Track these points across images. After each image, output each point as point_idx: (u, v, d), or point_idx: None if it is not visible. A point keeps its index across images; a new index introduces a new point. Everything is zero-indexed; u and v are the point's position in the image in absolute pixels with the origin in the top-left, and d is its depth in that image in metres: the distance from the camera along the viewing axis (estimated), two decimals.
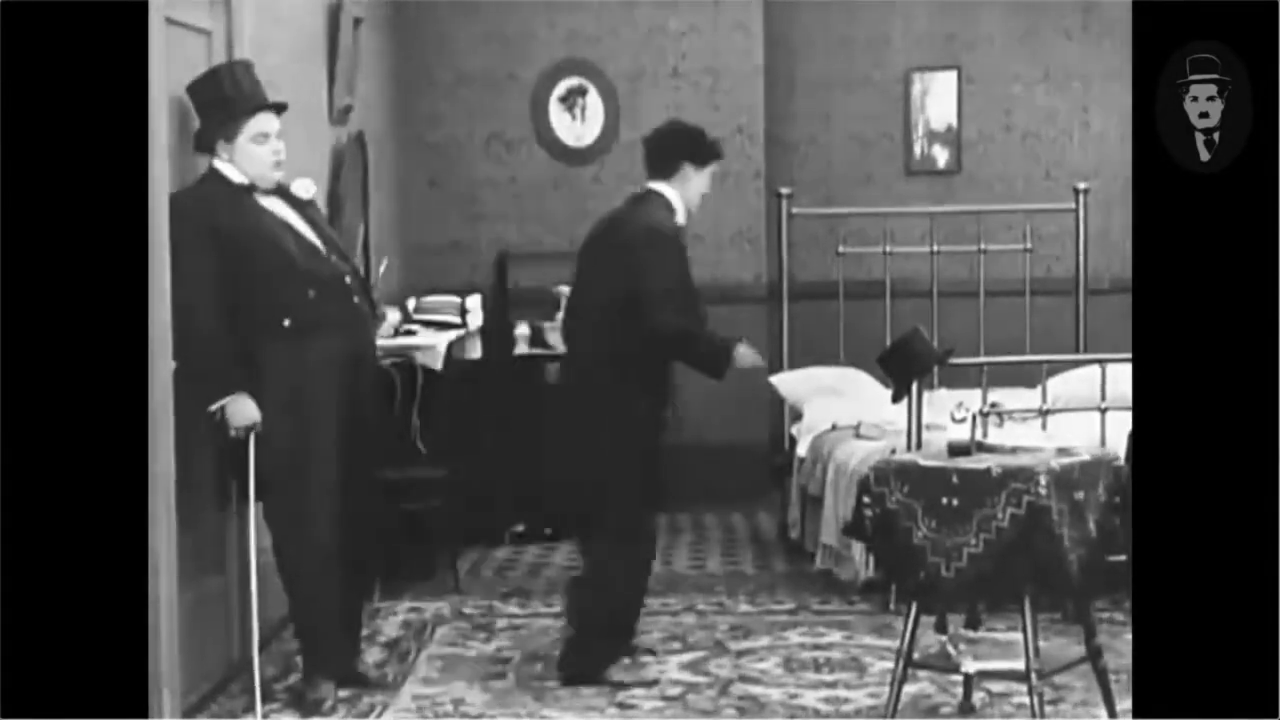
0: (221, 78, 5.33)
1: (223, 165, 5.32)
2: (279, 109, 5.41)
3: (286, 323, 5.22)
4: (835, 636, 6.20)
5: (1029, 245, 8.68)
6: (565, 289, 9.03)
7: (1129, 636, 5.39)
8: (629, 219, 5.71)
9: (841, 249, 8.59)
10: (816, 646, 6.07)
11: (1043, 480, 4.56)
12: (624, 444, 5.59)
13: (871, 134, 9.61)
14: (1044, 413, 6.42)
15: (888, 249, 8.55)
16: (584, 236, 5.94)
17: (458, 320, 8.15)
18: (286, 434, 5.24)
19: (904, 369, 5.33)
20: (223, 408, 5.20)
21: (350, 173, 7.60)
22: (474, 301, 8.36)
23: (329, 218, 6.27)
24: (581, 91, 9.36)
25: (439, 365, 7.43)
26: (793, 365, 8.41)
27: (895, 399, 5.51)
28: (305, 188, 5.48)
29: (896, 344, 5.36)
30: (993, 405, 6.16)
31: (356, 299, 5.42)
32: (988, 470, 4.64)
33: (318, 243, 5.39)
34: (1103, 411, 6.24)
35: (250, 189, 5.32)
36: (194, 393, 5.16)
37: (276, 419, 5.23)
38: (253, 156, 5.30)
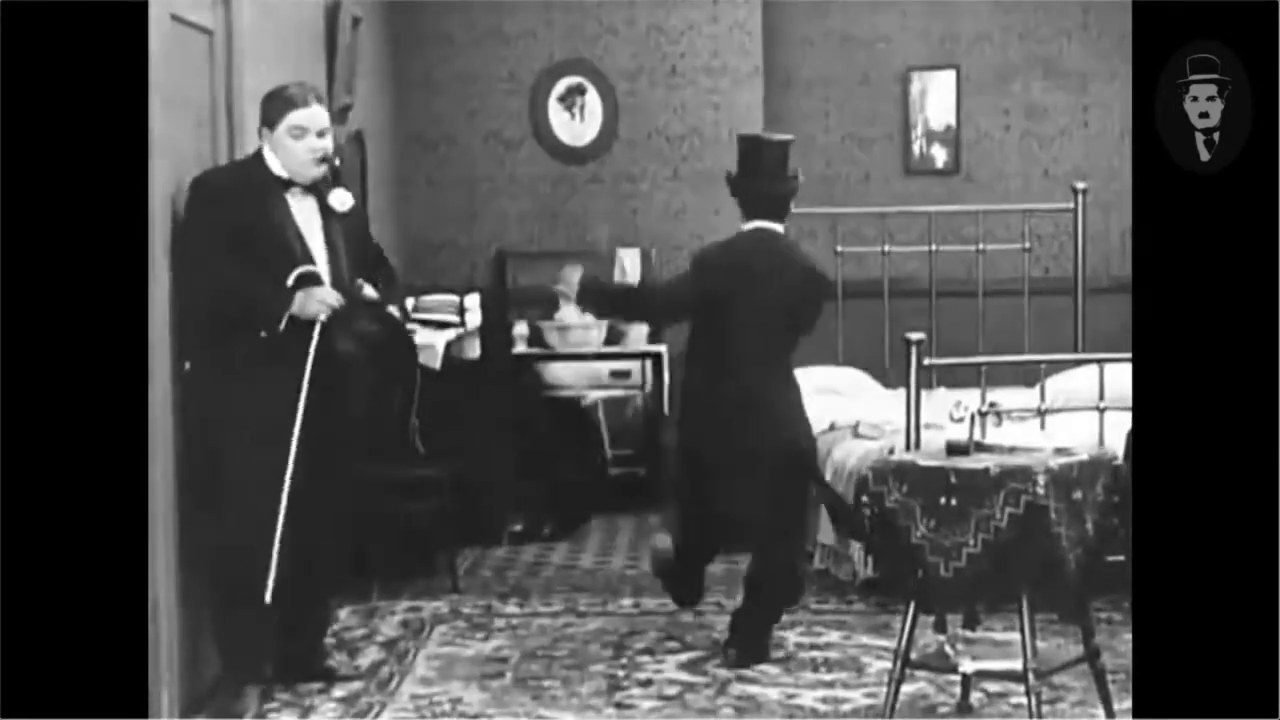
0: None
1: (266, 152, 5.34)
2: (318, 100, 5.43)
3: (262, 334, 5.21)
4: (833, 636, 6.19)
5: (1028, 245, 8.68)
6: (566, 288, 9.08)
7: (1127, 636, 5.40)
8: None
9: (840, 248, 8.59)
10: (814, 646, 6.07)
11: (1041, 480, 4.56)
12: None
13: (870, 133, 9.62)
14: (1042, 412, 6.42)
15: (886, 248, 8.56)
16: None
17: (456, 319, 8.15)
18: (226, 450, 5.21)
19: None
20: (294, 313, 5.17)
21: (349, 172, 7.59)
22: (472, 300, 8.36)
23: None
24: (580, 90, 9.36)
25: (437, 365, 7.43)
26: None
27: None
28: (341, 200, 5.40)
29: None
30: (991, 405, 6.15)
31: (339, 341, 5.34)
32: (986, 470, 4.64)
33: (324, 268, 5.34)
34: (1101, 411, 6.24)
35: (287, 183, 5.32)
36: (256, 326, 5.16)
37: (219, 430, 5.20)
38: (288, 149, 5.31)
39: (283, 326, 5.17)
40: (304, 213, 5.35)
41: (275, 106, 5.33)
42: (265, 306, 5.18)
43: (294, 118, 5.30)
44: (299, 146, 5.30)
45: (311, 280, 5.26)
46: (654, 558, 6.40)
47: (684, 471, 6.26)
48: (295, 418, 5.15)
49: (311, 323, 5.21)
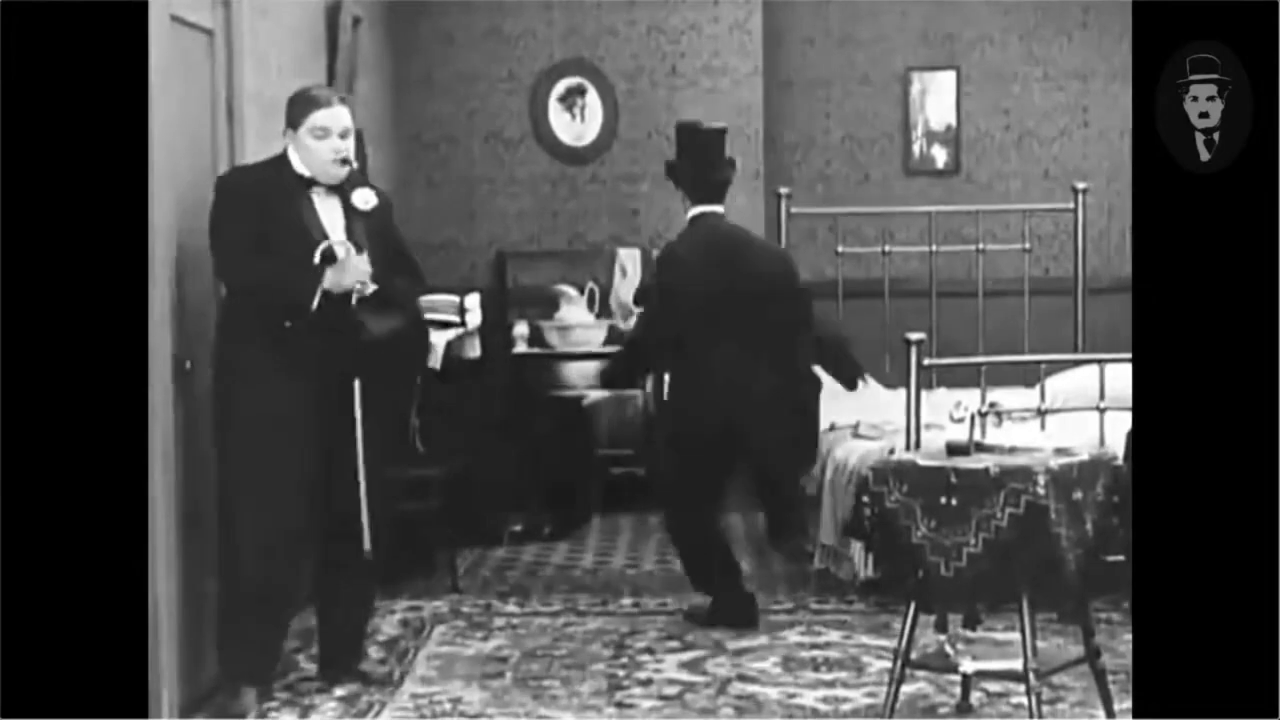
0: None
1: (290, 152, 5.34)
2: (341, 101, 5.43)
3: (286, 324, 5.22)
4: (833, 636, 6.20)
5: (1027, 245, 8.68)
6: (565, 288, 9.09)
7: (1127, 636, 5.41)
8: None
9: (840, 248, 8.59)
10: (814, 646, 6.07)
11: (1041, 480, 4.56)
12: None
13: (870, 134, 9.63)
14: (1042, 412, 6.42)
15: (886, 248, 8.56)
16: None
17: (456, 319, 8.13)
18: (231, 446, 5.23)
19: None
20: (327, 288, 5.18)
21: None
22: (472, 300, 8.35)
23: None
24: (581, 91, 9.36)
25: (437, 364, 7.42)
26: None
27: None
28: (364, 199, 5.40)
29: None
30: (991, 405, 6.15)
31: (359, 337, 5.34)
32: (986, 470, 4.64)
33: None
34: (1101, 411, 6.24)
35: (310, 183, 5.32)
36: (289, 307, 5.18)
37: (228, 424, 5.23)
38: (310, 149, 5.29)
39: (316, 304, 5.17)
40: (328, 212, 5.35)
41: (299, 107, 5.34)
42: (297, 287, 5.19)
43: (317, 118, 5.30)
44: (322, 147, 5.30)
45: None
46: (690, 616, 6.54)
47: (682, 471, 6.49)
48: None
49: (332, 316, 5.22)
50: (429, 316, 7.97)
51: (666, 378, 6.61)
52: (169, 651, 4.98)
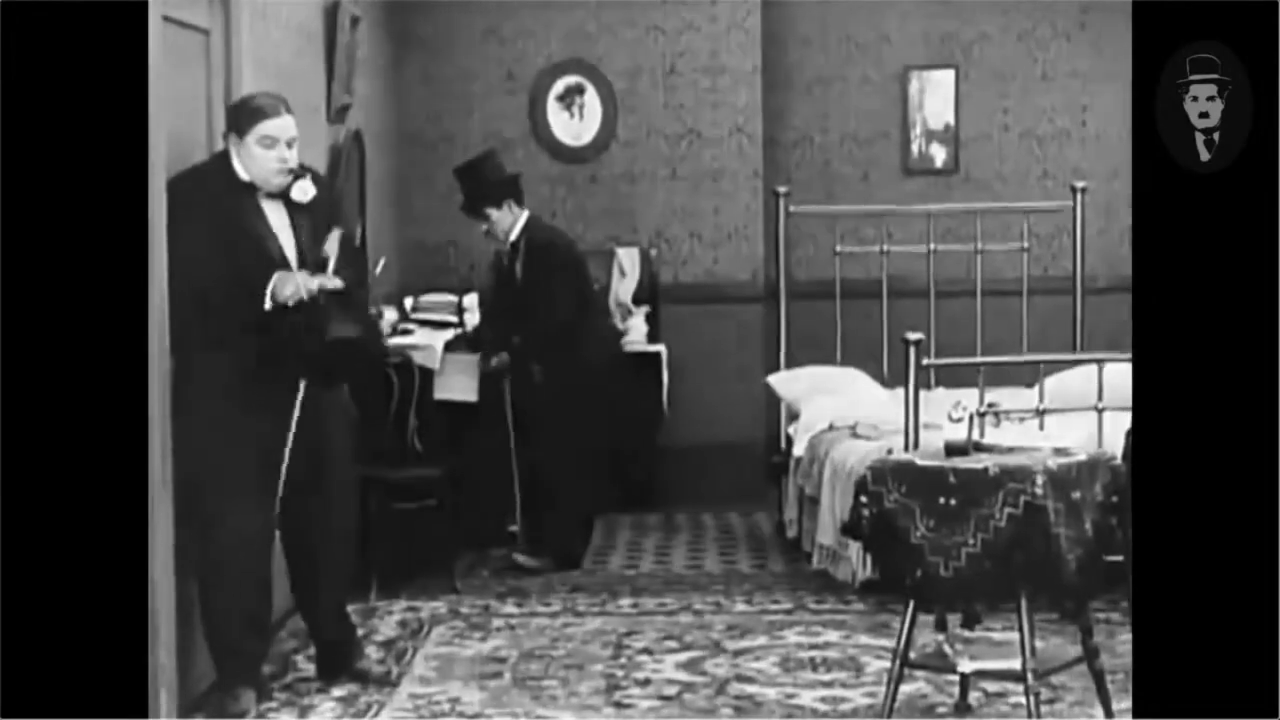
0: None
1: (233, 158, 5.31)
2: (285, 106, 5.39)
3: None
4: (832, 636, 6.20)
5: (1026, 244, 8.68)
6: None
7: (1125, 636, 5.41)
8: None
9: (839, 248, 8.58)
10: (813, 646, 6.07)
11: (1039, 480, 4.56)
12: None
13: (869, 133, 9.62)
14: (1041, 412, 6.43)
15: (885, 248, 8.55)
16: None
17: (455, 319, 8.14)
18: (199, 444, 5.17)
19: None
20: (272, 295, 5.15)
21: (348, 171, 7.59)
22: (471, 301, 8.36)
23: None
24: (579, 90, 9.35)
25: (436, 364, 7.43)
26: (790, 364, 8.40)
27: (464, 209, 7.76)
28: (303, 190, 5.38)
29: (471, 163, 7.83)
30: (990, 405, 6.16)
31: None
32: (985, 470, 4.64)
33: (295, 265, 5.31)
34: (1099, 411, 6.25)
35: (253, 188, 5.30)
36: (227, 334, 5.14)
37: (195, 421, 5.17)
38: (256, 158, 5.27)
39: (269, 306, 5.15)
40: (275, 213, 5.35)
41: (245, 115, 5.30)
42: (249, 291, 5.15)
43: (265, 128, 5.26)
44: (269, 156, 5.27)
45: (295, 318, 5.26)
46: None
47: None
48: (285, 426, 5.20)
49: (296, 318, 5.21)
50: (427, 317, 8.00)
51: None
52: (168, 652, 4.98)
